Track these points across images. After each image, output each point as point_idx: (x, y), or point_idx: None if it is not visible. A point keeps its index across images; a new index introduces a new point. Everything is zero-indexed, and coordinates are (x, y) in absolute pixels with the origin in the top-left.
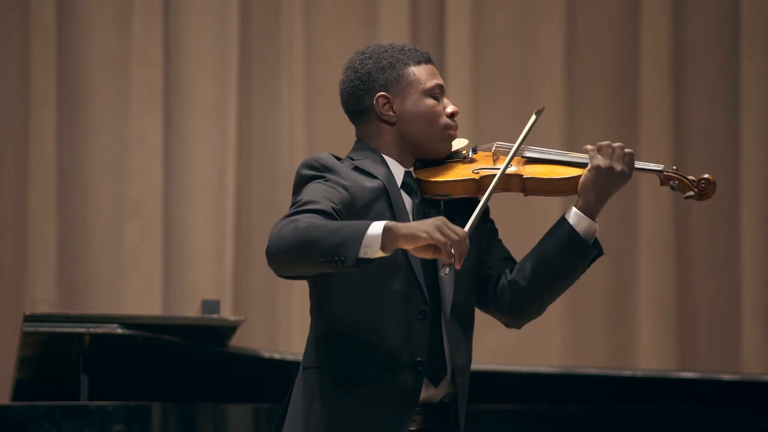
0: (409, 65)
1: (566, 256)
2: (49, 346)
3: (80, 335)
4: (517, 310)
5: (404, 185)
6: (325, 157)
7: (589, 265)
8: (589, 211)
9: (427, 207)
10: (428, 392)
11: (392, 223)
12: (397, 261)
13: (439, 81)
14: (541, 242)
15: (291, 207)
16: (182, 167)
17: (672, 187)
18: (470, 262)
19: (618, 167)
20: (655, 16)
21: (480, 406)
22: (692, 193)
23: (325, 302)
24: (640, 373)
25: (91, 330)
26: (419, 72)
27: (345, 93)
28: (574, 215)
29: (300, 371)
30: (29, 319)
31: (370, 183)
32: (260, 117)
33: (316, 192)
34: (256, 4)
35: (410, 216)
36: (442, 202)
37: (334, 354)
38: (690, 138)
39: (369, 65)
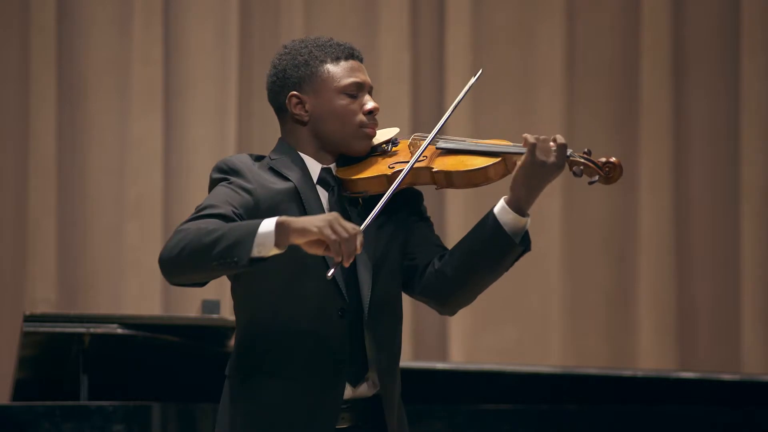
0: (324, 62)
1: (491, 250)
2: (49, 346)
3: (80, 335)
4: (444, 298)
5: (321, 181)
6: (236, 159)
7: (516, 260)
8: (518, 205)
9: (347, 204)
10: (356, 390)
11: (284, 218)
12: (314, 259)
13: (357, 78)
14: (469, 235)
15: (193, 212)
16: (182, 167)
17: (575, 173)
18: (391, 254)
19: (550, 159)
20: (655, 16)
21: (480, 406)
22: (597, 177)
23: (243, 307)
24: (640, 373)
25: (91, 330)
26: (335, 69)
27: (267, 89)
28: (501, 210)
29: (225, 383)
30: (29, 319)
31: (280, 185)
32: (260, 117)
33: (217, 196)
34: (256, 4)
35: (326, 212)
36: (360, 199)
37: (254, 360)
38: (690, 138)
39: (285, 61)
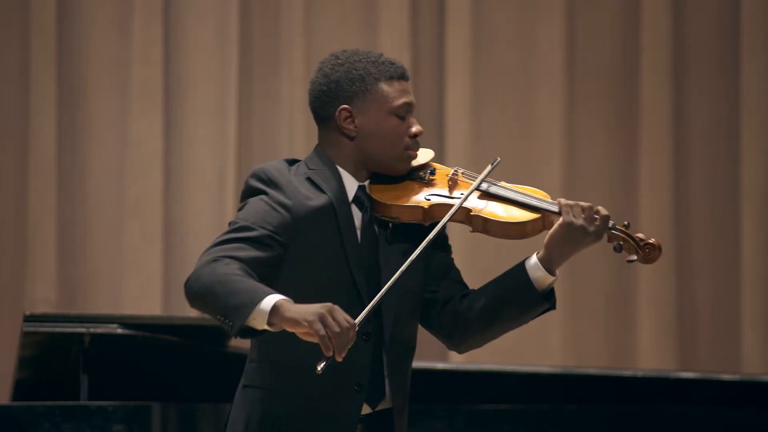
0: (379, 80)
1: (517, 303)
2: (49, 346)
3: (80, 335)
4: (460, 339)
5: (356, 200)
6: (275, 170)
7: (539, 315)
8: (549, 264)
9: (376, 225)
10: (367, 408)
11: (281, 303)
12: (341, 280)
13: (408, 99)
14: (496, 281)
15: (230, 223)
16: (182, 167)
17: (615, 249)
18: (415, 285)
19: (590, 228)
20: (655, 16)
21: (480, 406)
22: (635, 257)
23: None
24: (640, 373)
25: (91, 330)
26: (388, 89)
27: (312, 95)
28: (533, 266)
29: (239, 389)
30: (29, 319)
31: (315, 201)
32: (260, 117)
33: (255, 213)
34: (256, 4)
35: (358, 232)
36: (390, 224)
37: (274, 374)
38: (690, 138)
39: (339, 73)
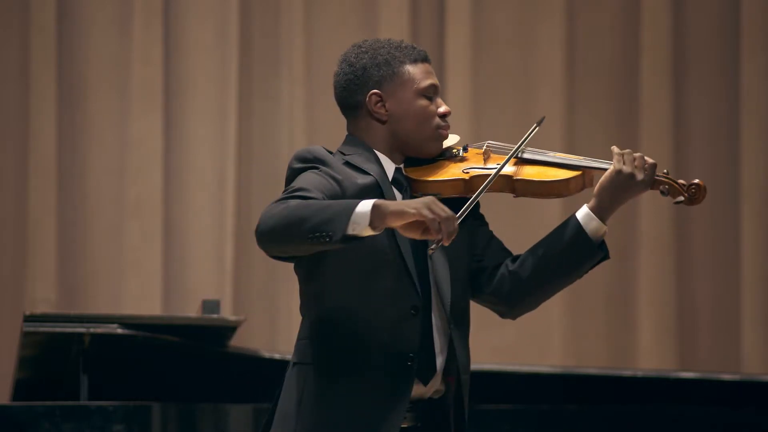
0: (405, 63)
1: (571, 254)
2: (49, 346)
3: (80, 335)
4: (515, 301)
5: (395, 181)
6: (318, 149)
7: (593, 267)
8: (601, 213)
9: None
10: (418, 389)
11: (381, 201)
12: (388, 255)
13: (434, 81)
14: (548, 237)
15: (282, 194)
16: (182, 167)
17: (662, 192)
18: (463, 257)
19: (639, 176)
20: (655, 16)
21: (480, 406)
22: (682, 198)
23: (316, 298)
24: (640, 373)
25: (91, 330)
26: (414, 71)
27: (339, 86)
28: (585, 215)
29: (290, 367)
30: (29, 319)
31: (362, 179)
32: (260, 117)
33: (308, 181)
34: (256, 4)
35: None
36: None
37: (326, 350)
38: (690, 138)
39: (365, 60)
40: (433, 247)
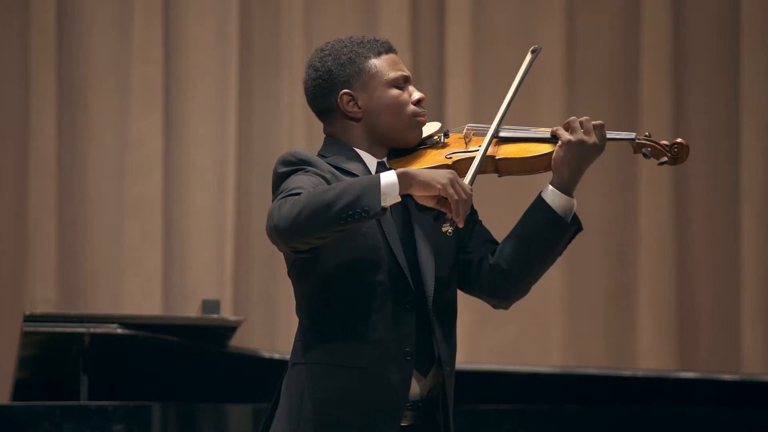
0: (369, 58)
1: (546, 235)
2: (49, 346)
3: (80, 335)
4: (502, 292)
5: None
6: (301, 151)
7: (569, 242)
8: (565, 187)
9: (403, 196)
10: (416, 386)
11: (406, 170)
12: (378, 251)
13: (402, 70)
14: (520, 223)
15: (276, 198)
16: (182, 167)
17: (644, 155)
18: (450, 250)
19: (590, 140)
20: (655, 16)
21: (480, 406)
22: (665, 158)
23: (311, 298)
24: (640, 373)
25: (91, 330)
26: (380, 63)
27: (309, 93)
28: (550, 193)
29: (289, 367)
30: (29, 319)
31: (345, 178)
32: (260, 117)
33: (301, 181)
34: (256, 4)
35: (388, 207)
36: None
37: (323, 349)
38: (690, 138)
39: (329, 62)
40: (449, 229)
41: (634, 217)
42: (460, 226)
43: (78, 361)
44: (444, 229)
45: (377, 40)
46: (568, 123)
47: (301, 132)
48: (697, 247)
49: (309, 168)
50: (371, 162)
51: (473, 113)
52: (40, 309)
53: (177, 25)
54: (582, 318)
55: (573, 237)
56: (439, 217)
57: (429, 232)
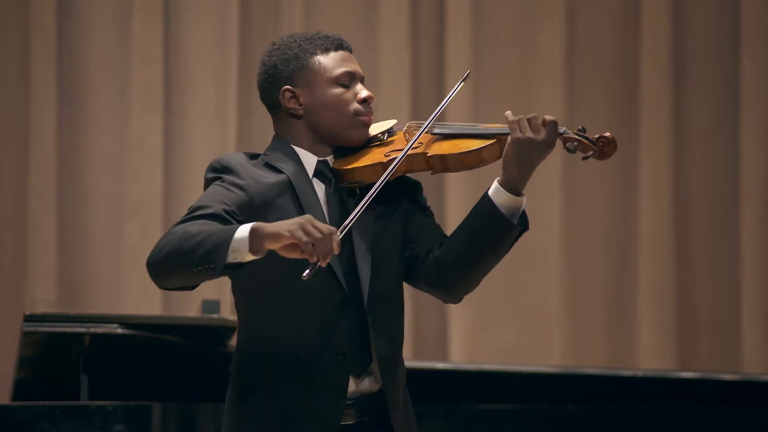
0: (314, 54)
1: (490, 233)
2: (49, 346)
3: (80, 335)
4: (448, 285)
5: (318, 174)
6: (229, 157)
7: (516, 240)
8: (511, 184)
9: (344, 195)
10: (360, 384)
11: (258, 224)
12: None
13: (349, 67)
14: (466, 219)
15: (184, 215)
16: (182, 167)
17: (569, 150)
18: (393, 245)
19: (539, 137)
20: (655, 16)
21: (480, 406)
22: (591, 152)
23: (246, 307)
24: (640, 373)
25: (91, 330)
26: (325, 60)
27: (258, 87)
28: (495, 190)
29: (230, 381)
30: (29, 319)
31: (273, 178)
32: (260, 117)
33: (210, 196)
34: (256, 4)
35: (323, 205)
36: (357, 189)
37: (255, 356)
38: (690, 138)
39: (275, 57)
40: (306, 273)
41: (634, 216)
42: (323, 266)
43: (78, 361)
44: (303, 277)
45: (329, 37)
46: (517, 121)
47: None
48: (697, 247)
49: (227, 177)
50: (310, 160)
51: (473, 113)
52: (40, 309)
53: (177, 25)
54: (582, 318)
55: (518, 236)
56: (381, 216)
57: (368, 229)
